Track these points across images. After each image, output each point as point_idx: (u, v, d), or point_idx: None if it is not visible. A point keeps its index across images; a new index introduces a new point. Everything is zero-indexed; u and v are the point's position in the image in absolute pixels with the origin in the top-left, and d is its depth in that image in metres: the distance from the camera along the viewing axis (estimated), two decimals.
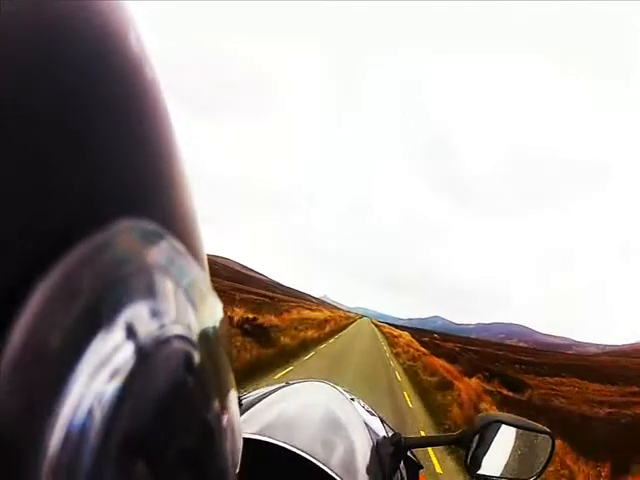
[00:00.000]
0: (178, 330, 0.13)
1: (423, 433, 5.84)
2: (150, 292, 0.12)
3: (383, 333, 44.37)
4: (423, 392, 10.65)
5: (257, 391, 0.83)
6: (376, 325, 68.29)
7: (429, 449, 5.26)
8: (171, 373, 0.12)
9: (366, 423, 0.76)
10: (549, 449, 0.68)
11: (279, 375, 6.99)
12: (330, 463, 0.58)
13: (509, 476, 0.65)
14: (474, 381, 13.33)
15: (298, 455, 0.57)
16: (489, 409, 8.13)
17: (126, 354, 0.11)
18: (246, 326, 9.47)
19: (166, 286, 0.12)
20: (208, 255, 0.16)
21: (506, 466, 0.66)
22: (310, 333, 14.76)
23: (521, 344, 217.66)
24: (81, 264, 0.11)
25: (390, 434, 0.74)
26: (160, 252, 0.13)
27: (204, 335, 0.14)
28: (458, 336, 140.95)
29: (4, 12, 0.10)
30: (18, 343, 0.09)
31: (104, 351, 0.10)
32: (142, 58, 0.14)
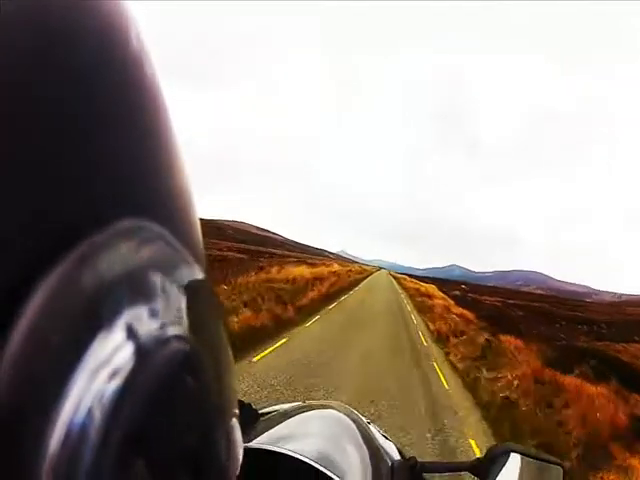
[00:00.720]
0: (178, 330, 0.13)
1: None
2: (150, 292, 0.12)
3: (406, 289, 33.00)
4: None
5: (274, 407, 0.82)
6: (395, 277, 62.62)
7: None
8: (171, 373, 0.12)
9: (382, 446, 0.78)
10: None
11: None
12: None
13: None
14: (600, 391, 7.18)
15: (312, 467, 0.58)
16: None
17: (126, 354, 0.11)
18: None
19: (166, 286, 0.13)
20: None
21: None
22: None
23: (539, 291, 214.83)
24: (82, 264, 0.10)
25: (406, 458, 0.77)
26: (160, 252, 0.13)
27: (204, 335, 0.14)
28: (484, 286, 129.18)
29: (6, 5, 0.10)
30: (19, 342, 0.09)
31: (104, 351, 0.10)
32: (142, 55, 0.14)
